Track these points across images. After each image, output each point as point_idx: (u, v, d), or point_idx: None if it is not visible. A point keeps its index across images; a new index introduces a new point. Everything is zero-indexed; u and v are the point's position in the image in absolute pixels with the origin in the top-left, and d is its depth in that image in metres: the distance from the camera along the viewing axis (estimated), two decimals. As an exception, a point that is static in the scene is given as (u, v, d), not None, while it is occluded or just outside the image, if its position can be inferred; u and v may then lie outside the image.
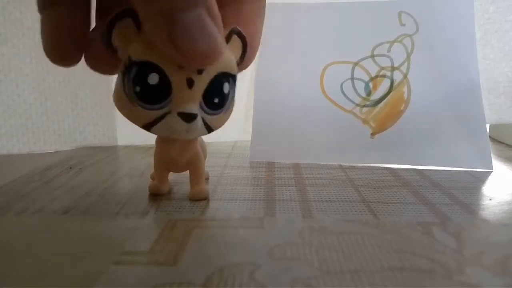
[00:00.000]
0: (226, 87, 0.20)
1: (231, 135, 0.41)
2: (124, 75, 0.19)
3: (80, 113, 0.39)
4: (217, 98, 0.20)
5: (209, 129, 0.21)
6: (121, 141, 0.41)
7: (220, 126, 0.22)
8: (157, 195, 0.24)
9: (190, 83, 0.19)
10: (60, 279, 0.15)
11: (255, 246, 0.18)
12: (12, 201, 0.24)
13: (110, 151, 0.39)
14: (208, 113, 0.20)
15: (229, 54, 0.20)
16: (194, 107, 0.19)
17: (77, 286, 0.14)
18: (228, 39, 0.21)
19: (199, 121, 0.20)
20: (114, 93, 0.20)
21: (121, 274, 0.15)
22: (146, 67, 0.18)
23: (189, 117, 0.19)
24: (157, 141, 0.23)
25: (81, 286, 0.14)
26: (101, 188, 0.26)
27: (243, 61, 0.21)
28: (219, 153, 0.36)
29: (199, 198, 0.23)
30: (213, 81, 0.19)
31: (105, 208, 0.22)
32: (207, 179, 0.28)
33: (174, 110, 0.19)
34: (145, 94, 0.19)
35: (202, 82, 0.19)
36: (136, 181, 0.28)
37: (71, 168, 0.32)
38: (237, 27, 0.21)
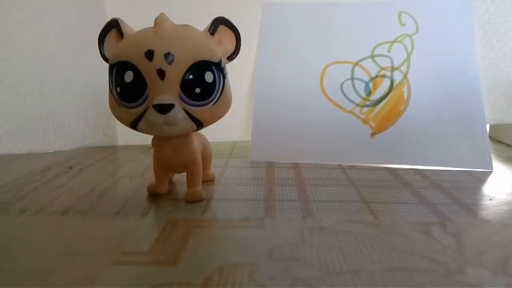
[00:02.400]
0: (209, 76, 0.20)
1: (231, 135, 0.41)
2: (109, 79, 0.20)
3: (80, 113, 0.39)
4: (198, 87, 0.20)
5: (198, 123, 0.20)
6: (121, 141, 0.41)
7: (213, 120, 0.21)
8: (155, 195, 0.24)
9: (161, 74, 0.19)
10: (60, 279, 0.15)
11: (255, 246, 0.17)
12: (12, 201, 0.24)
13: (110, 151, 0.39)
14: (191, 104, 0.20)
15: (207, 41, 0.20)
16: (168, 98, 0.19)
17: (77, 286, 0.14)
18: (212, 29, 0.21)
19: (178, 113, 0.19)
20: (108, 98, 0.22)
21: (121, 274, 0.15)
22: (122, 66, 0.19)
23: (163, 108, 0.19)
24: (153, 141, 0.23)
25: (81, 286, 0.14)
26: (101, 188, 0.26)
27: (237, 54, 0.22)
28: (219, 153, 0.36)
29: (193, 200, 0.23)
30: (190, 70, 0.19)
31: (105, 208, 0.22)
32: (211, 180, 0.28)
33: (150, 104, 0.19)
34: (124, 93, 0.20)
35: (175, 72, 0.19)
36: (136, 181, 0.28)
37: (71, 168, 0.32)
38: (224, 16, 0.21)
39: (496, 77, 0.40)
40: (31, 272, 0.15)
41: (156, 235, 0.18)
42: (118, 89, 0.20)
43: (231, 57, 0.22)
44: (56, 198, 0.24)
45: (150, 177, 0.28)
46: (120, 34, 0.21)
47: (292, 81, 0.35)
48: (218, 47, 0.21)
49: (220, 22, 0.21)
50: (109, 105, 0.21)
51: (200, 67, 0.19)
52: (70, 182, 0.28)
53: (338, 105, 0.34)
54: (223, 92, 0.21)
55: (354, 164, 0.32)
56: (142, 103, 0.19)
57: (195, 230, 0.19)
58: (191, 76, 0.19)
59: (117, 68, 0.20)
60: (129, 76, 0.19)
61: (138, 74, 0.19)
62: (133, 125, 0.20)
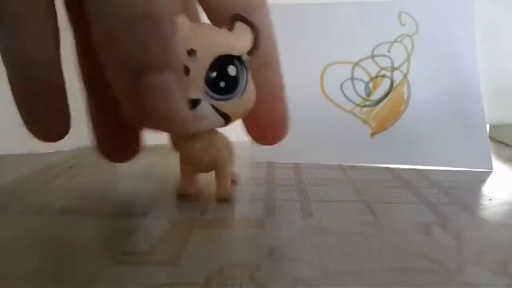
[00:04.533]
0: (232, 70, 0.20)
1: (231, 135, 0.41)
2: None
3: (80, 113, 0.39)
4: (223, 81, 0.20)
5: (226, 117, 0.21)
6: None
7: (240, 113, 0.21)
8: (183, 196, 0.24)
9: (186, 71, 0.19)
10: (60, 279, 0.15)
11: (255, 246, 0.18)
12: (12, 201, 0.24)
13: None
14: (217, 99, 0.20)
15: (226, 36, 0.20)
16: (195, 93, 0.19)
17: (77, 286, 0.14)
18: (230, 27, 0.21)
19: (205, 107, 0.20)
20: None
21: (121, 274, 0.15)
22: None
23: (191, 103, 0.19)
24: (173, 143, 0.23)
25: (81, 286, 0.14)
26: (101, 188, 0.26)
27: (257, 48, 0.21)
28: (219, 153, 0.36)
29: (224, 199, 0.23)
30: (213, 65, 0.19)
31: (105, 208, 0.22)
32: (234, 181, 0.27)
33: None
34: None
35: (198, 67, 0.19)
36: (136, 181, 0.28)
37: (71, 168, 0.32)
38: (240, 13, 0.21)
39: (496, 77, 0.40)
40: (31, 272, 0.15)
41: (156, 235, 0.19)
42: None
43: (251, 52, 0.21)
44: (56, 198, 0.24)
45: (150, 177, 0.28)
46: None
47: (292, 81, 0.35)
48: (237, 42, 0.21)
49: (236, 19, 0.21)
50: None
51: (223, 61, 0.20)
52: (70, 182, 0.28)
53: (338, 105, 0.34)
54: (247, 85, 0.21)
55: (354, 164, 0.32)
56: None
57: (195, 230, 0.19)
58: (214, 71, 0.19)
59: None
60: None
61: None
62: None
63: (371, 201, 0.23)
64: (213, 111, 0.20)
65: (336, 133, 0.33)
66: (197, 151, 0.22)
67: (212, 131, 0.22)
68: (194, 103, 0.19)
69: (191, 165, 0.24)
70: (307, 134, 0.34)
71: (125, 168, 0.32)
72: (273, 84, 0.23)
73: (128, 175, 0.29)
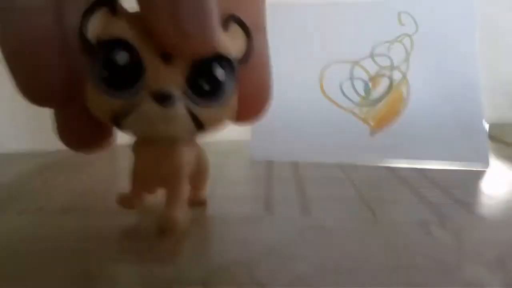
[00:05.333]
0: (219, 73, 0.16)
1: (231, 134, 0.41)
2: (92, 62, 0.16)
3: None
4: (207, 83, 0.16)
5: (199, 125, 0.16)
6: (121, 141, 0.41)
7: (216, 124, 0.17)
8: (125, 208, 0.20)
9: (167, 57, 0.15)
10: (60, 278, 0.15)
11: (254, 244, 0.18)
12: (12, 200, 0.24)
13: (110, 150, 0.39)
14: (195, 102, 0.16)
15: (223, 37, 0.17)
16: (171, 86, 0.15)
17: (77, 285, 0.14)
18: (225, 27, 0.17)
19: (179, 107, 0.15)
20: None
21: (120, 273, 0.15)
22: (115, 45, 0.15)
23: (163, 98, 0.15)
24: (133, 146, 0.19)
25: (80, 286, 0.14)
26: (101, 187, 0.26)
27: (247, 58, 0.18)
28: (219, 152, 0.36)
29: (164, 229, 0.18)
30: (200, 62, 0.16)
31: (105, 207, 0.22)
32: (203, 203, 0.22)
33: (147, 93, 0.15)
34: (113, 78, 0.15)
35: (183, 59, 0.15)
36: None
37: (70, 168, 0.32)
38: (237, 14, 0.18)
39: (496, 77, 0.40)
40: (30, 271, 0.15)
41: (155, 234, 0.19)
42: (105, 73, 0.15)
43: (243, 60, 0.18)
44: (55, 198, 0.24)
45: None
46: (112, 13, 0.16)
47: (292, 81, 0.35)
48: (232, 44, 0.17)
49: (233, 20, 0.18)
50: (87, 94, 0.16)
51: (211, 60, 0.16)
52: (70, 181, 0.28)
53: (337, 105, 0.34)
54: (232, 95, 0.17)
55: (353, 163, 0.32)
56: (136, 93, 0.15)
57: (195, 229, 0.19)
58: (200, 68, 0.16)
59: (108, 48, 0.15)
60: (123, 58, 0.15)
61: (135, 56, 0.15)
62: (118, 118, 0.16)
63: (370, 200, 0.23)
64: (187, 115, 0.16)
65: (336, 132, 0.33)
66: (152, 159, 0.18)
67: (187, 141, 0.18)
68: (166, 98, 0.15)
69: (141, 178, 0.19)
70: (306, 133, 0.34)
71: (125, 167, 0.32)
72: (261, 51, 0.20)
73: (128, 174, 0.29)
